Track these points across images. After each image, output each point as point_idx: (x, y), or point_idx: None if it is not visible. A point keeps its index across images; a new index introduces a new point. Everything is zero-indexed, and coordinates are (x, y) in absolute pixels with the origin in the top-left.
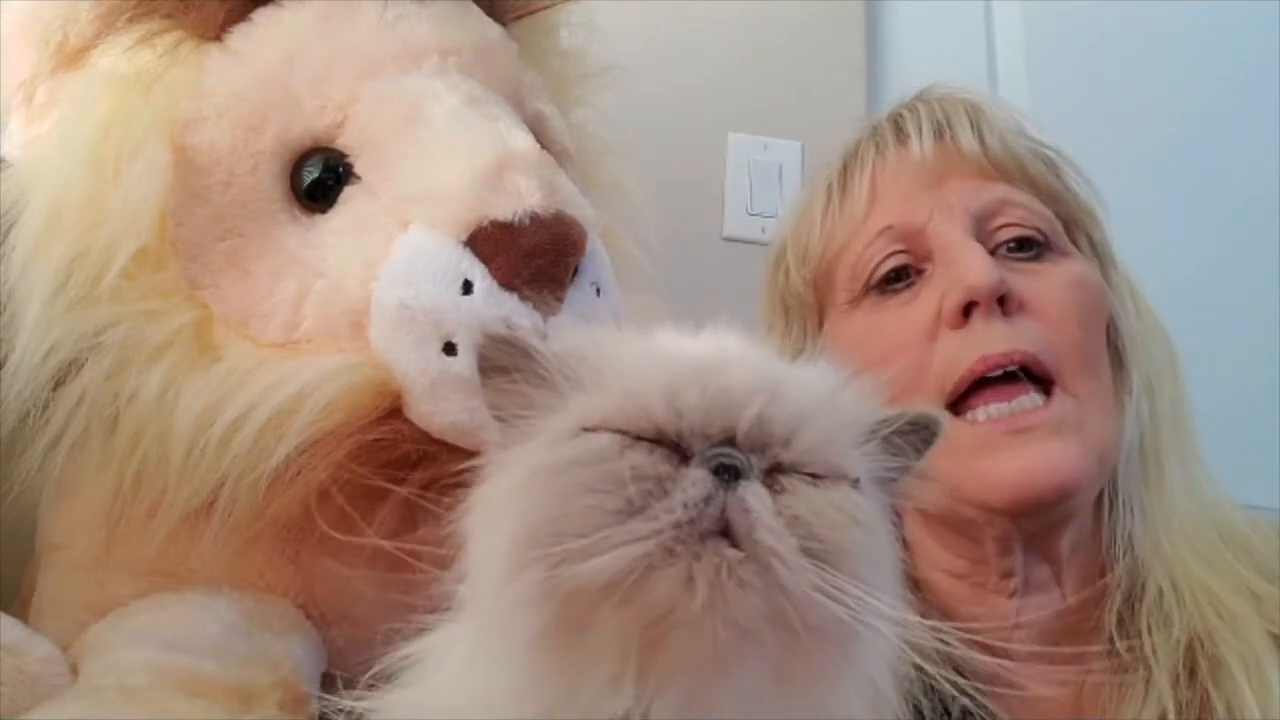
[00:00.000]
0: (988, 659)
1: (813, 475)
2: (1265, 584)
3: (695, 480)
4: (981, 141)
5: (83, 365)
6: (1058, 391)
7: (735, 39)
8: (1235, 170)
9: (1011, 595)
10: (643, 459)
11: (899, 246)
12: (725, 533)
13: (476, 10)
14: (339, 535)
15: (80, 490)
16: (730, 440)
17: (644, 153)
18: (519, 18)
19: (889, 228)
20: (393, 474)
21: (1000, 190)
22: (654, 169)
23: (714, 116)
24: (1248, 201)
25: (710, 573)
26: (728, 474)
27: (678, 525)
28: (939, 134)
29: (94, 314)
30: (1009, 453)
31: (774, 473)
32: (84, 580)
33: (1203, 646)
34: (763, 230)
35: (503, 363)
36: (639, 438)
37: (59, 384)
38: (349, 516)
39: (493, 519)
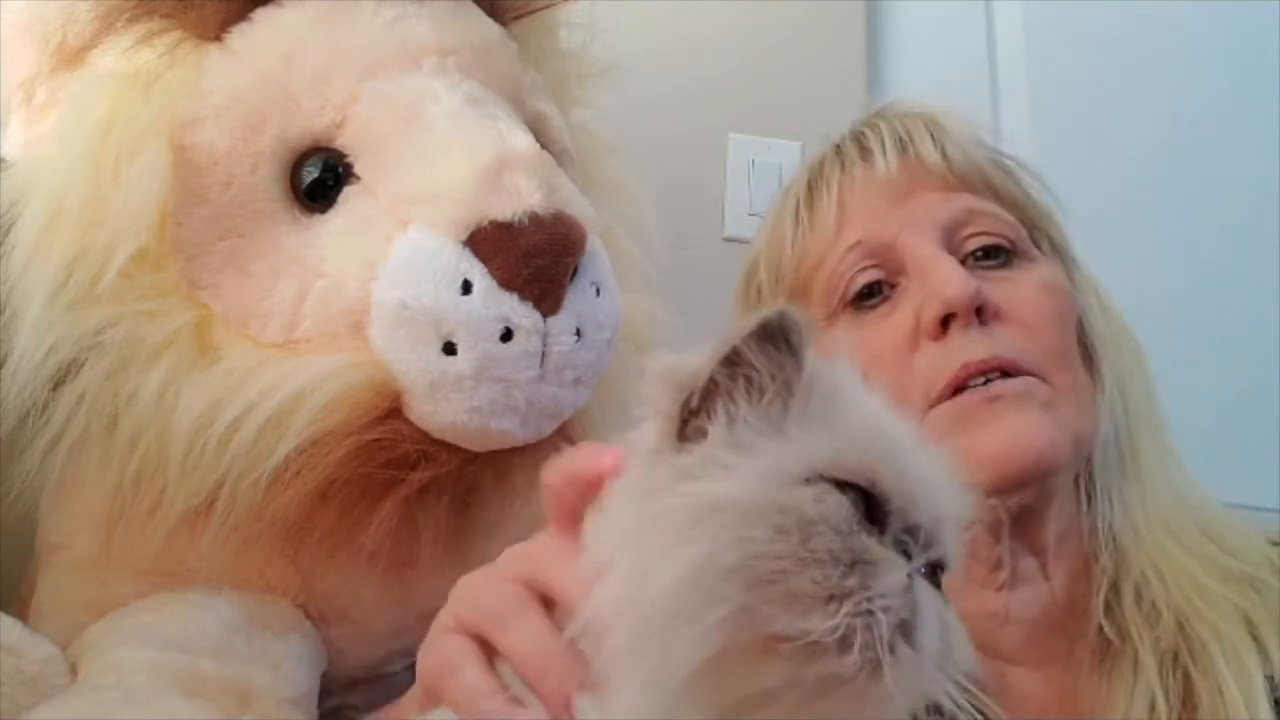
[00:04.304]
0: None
1: (940, 574)
2: (1238, 564)
3: (900, 570)
4: (944, 154)
5: (83, 365)
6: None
7: (735, 39)
8: (1236, 170)
9: (1000, 589)
10: (870, 540)
11: (870, 261)
12: (903, 628)
13: (476, 10)
14: (339, 535)
15: (80, 490)
16: (910, 529)
17: (644, 153)
18: (519, 18)
19: (859, 242)
20: (393, 474)
21: (966, 200)
22: (654, 169)
23: (714, 116)
24: (1248, 201)
25: (896, 667)
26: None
27: (886, 610)
28: (902, 149)
29: (94, 314)
30: (989, 427)
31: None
32: (84, 580)
33: (1184, 629)
34: None
35: (770, 352)
36: (863, 494)
37: (59, 384)
38: (349, 516)
39: (700, 525)
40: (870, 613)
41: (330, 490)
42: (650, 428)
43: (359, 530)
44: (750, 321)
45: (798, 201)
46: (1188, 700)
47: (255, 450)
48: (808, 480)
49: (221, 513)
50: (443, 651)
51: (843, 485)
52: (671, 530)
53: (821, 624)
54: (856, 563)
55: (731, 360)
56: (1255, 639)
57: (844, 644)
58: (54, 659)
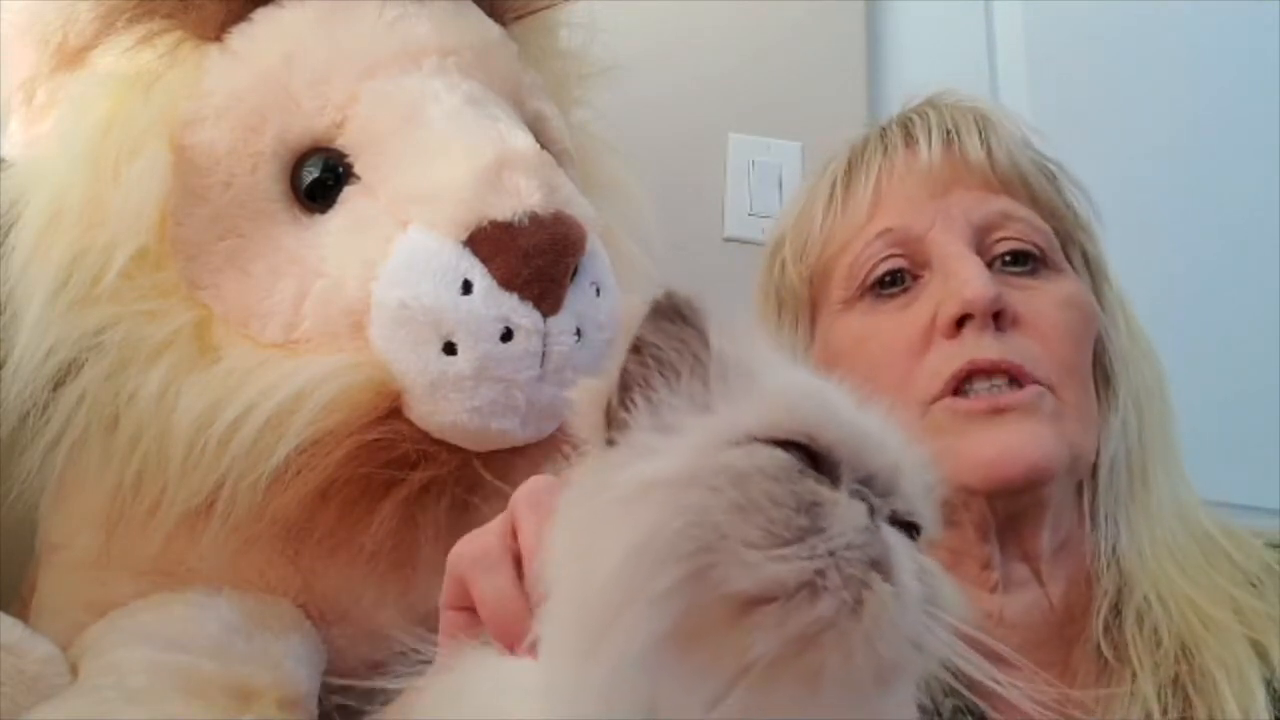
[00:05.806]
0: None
1: (913, 528)
2: (1245, 594)
3: (857, 511)
4: (988, 152)
5: (83, 365)
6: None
7: (735, 39)
8: (1235, 170)
9: (993, 590)
10: (819, 485)
11: (897, 250)
12: (876, 567)
13: (476, 10)
14: (339, 535)
15: (80, 490)
16: (865, 479)
17: (644, 153)
18: (519, 18)
19: (888, 230)
20: (393, 474)
21: (1002, 203)
22: (654, 169)
23: (714, 116)
24: (1248, 201)
25: (876, 602)
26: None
27: (849, 547)
28: (947, 141)
29: (94, 314)
30: (988, 432)
31: (892, 520)
32: (84, 580)
33: (1187, 656)
34: (763, 231)
35: (667, 329)
36: (805, 452)
37: (59, 384)
38: (349, 516)
39: (636, 506)
40: (832, 552)
41: (330, 490)
42: (588, 451)
43: (359, 530)
44: (642, 307)
45: (834, 181)
46: (1185, 717)
47: (255, 450)
48: (738, 444)
49: (221, 513)
50: (486, 542)
51: (782, 445)
52: (607, 520)
53: (781, 570)
54: (802, 505)
55: (636, 348)
56: (1259, 655)
57: (814, 589)
58: (54, 659)
